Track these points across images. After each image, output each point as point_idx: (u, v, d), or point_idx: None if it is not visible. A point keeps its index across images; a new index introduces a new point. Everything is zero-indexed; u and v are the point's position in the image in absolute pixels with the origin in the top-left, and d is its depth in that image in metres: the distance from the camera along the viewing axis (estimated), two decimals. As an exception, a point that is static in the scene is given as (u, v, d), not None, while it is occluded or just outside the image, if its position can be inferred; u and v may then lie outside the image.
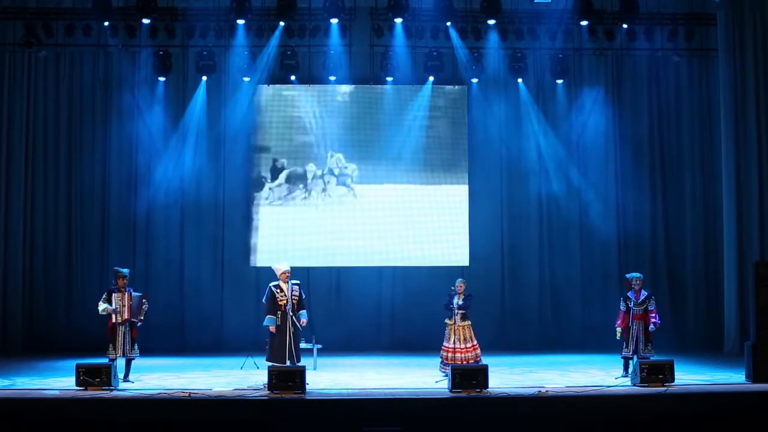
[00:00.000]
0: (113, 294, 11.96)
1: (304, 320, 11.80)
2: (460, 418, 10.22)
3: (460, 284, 12.50)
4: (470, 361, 12.01)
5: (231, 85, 16.25)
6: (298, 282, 12.04)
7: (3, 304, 15.62)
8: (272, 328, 11.67)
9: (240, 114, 16.36)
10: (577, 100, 16.54)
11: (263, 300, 11.98)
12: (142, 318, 12.20)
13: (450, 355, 12.27)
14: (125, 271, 12.24)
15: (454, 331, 12.31)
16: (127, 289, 12.07)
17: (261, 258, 16.23)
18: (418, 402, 10.49)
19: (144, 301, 12.22)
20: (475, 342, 12.34)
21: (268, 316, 11.74)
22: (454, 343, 12.26)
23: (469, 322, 12.38)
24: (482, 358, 12.24)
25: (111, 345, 11.92)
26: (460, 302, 12.36)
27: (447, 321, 12.41)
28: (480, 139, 16.61)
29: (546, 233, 16.63)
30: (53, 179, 16.11)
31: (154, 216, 16.15)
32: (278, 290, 11.78)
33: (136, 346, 12.11)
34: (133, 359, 12.12)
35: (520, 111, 16.61)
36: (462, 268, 16.32)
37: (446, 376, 12.04)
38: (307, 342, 13.08)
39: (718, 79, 15.84)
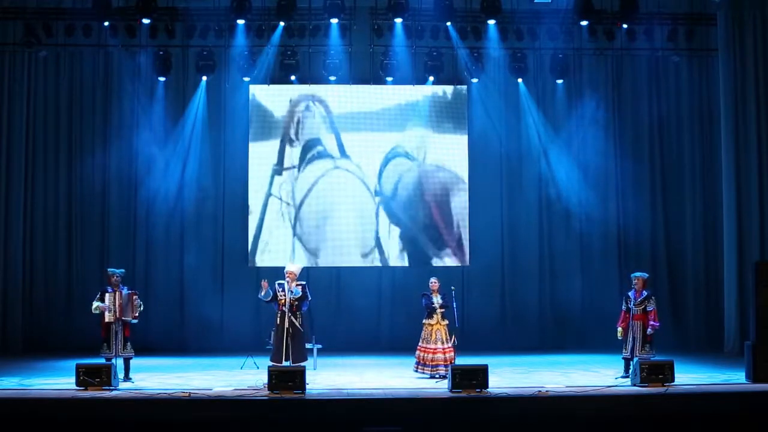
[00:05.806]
0: (106, 294, 11.97)
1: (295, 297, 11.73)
2: (460, 418, 10.21)
3: (434, 282, 12.42)
4: (451, 362, 11.82)
5: (231, 85, 16.25)
6: (303, 282, 12.09)
7: (3, 304, 15.62)
8: (264, 288, 11.69)
9: (240, 114, 16.36)
10: (577, 100, 16.52)
11: None
12: (137, 315, 12.07)
13: (431, 356, 12.15)
14: (116, 270, 12.15)
15: (435, 330, 12.25)
16: (120, 287, 12.05)
17: (261, 258, 16.23)
18: (418, 402, 10.48)
19: (135, 297, 12.05)
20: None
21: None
22: (436, 343, 12.19)
23: (447, 321, 12.32)
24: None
25: (105, 344, 11.93)
26: (440, 300, 12.31)
27: (428, 321, 12.28)
28: (480, 139, 16.61)
29: (546, 233, 16.63)
30: (53, 179, 16.11)
31: (154, 215, 16.14)
32: (280, 289, 11.84)
33: (129, 345, 12.04)
34: (131, 358, 12.08)
35: (520, 111, 16.62)
36: (462, 268, 16.34)
37: (429, 377, 12.03)
38: (307, 342, 13.07)
39: (718, 79, 15.83)
